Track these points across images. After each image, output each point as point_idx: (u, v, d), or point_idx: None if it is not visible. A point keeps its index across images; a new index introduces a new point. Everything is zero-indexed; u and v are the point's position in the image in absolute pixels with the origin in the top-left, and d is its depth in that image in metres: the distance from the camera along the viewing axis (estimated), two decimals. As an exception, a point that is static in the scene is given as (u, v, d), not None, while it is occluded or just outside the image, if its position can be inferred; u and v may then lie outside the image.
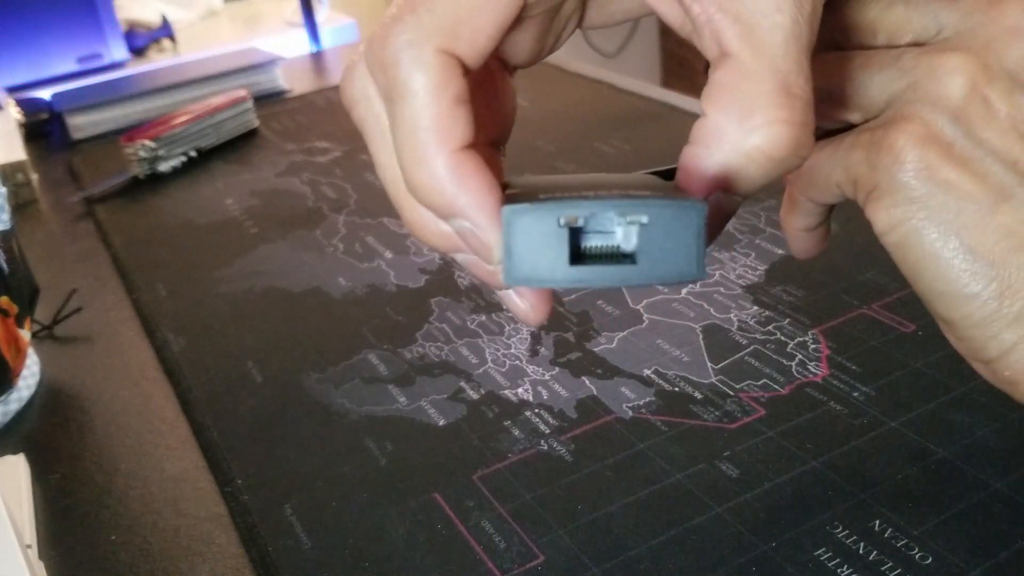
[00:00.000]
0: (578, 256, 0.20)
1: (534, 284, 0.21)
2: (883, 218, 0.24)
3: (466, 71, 0.22)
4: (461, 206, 0.21)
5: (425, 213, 0.23)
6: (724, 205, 0.23)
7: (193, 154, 0.73)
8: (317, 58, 1.06)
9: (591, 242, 0.20)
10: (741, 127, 0.21)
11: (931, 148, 0.24)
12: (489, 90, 0.26)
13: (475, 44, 0.22)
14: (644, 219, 0.20)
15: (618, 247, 0.20)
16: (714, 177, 0.22)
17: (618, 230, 0.20)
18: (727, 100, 0.21)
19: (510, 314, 0.46)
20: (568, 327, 0.44)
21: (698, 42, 0.23)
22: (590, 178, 0.23)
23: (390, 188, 0.24)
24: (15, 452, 0.40)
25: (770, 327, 0.42)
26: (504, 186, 0.22)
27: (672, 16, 0.24)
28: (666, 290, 0.46)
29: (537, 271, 0.20)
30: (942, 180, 0.23)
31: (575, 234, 0.20)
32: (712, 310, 0.44)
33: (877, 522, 0.31)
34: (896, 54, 0.25)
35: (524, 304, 0.24)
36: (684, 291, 0.46)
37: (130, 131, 0.73)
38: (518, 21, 0.23)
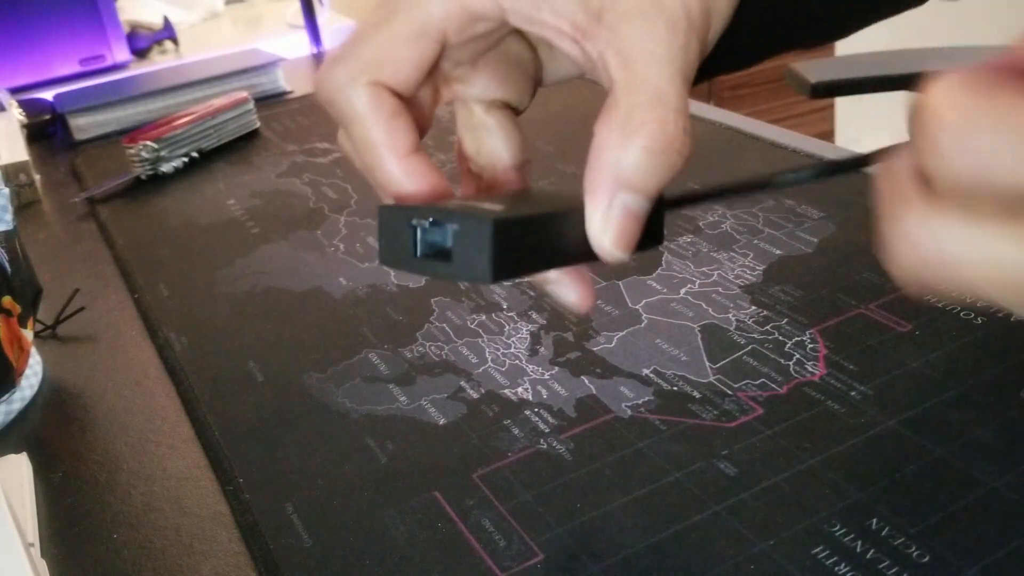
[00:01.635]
0: (426, 250, 0.25)
1: (395, 268, 0.26)
2: None
3: (399, 96, 0.28)
4: (414, 200, 0.28)
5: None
6: (632, 206, 0.26)
7: (195, 155, 0.73)
8: (318, 59, 1.06)
9: (432, 238, 0.25)
10: (623, 131, 0.25)
11: None
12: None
13: (399, 76, 0.28)
14: (456, 228, 0.24)
15: (447, 248, 0.25)
16: (609, 181, 0.26)
17: (448, 235, 0.25)
18: (611, 115, 0.26)
19: (511, 315, 0.46)
20: (567, 327, 0.44)
21: (597, 77, 0.27)
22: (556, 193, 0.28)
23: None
24: (18, 451, 0.40)
25: (768, 327, 0.43)
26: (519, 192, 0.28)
27: (581, 59, 0.28)
28: (665, 290, 0.47)
29: (396, 258, 0.26)
30: None
31: (424, 232, 0.25)
32: (710, 310, 0.45)
33: (874, 520, 0.31)
34: None
35: (572, 296, 0.29)
36: (683, 291, 0.46)
37: (132, 132, 0.73)
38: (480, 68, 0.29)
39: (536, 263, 0.27)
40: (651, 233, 0.28)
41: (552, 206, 0.27)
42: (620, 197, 0.26)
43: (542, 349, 0.43)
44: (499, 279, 0.25)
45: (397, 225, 0.25)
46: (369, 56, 0.28)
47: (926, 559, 0.30)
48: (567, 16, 0.27)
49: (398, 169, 0.28)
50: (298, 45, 1.17)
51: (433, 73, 0.29)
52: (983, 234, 0.17)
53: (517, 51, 0.30)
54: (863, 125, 1.94)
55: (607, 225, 0.26)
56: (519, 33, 0.30)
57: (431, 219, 0.25)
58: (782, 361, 0.40)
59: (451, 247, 0.24)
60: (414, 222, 0.25)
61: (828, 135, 1.90)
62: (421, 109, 0.30)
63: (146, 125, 0.74)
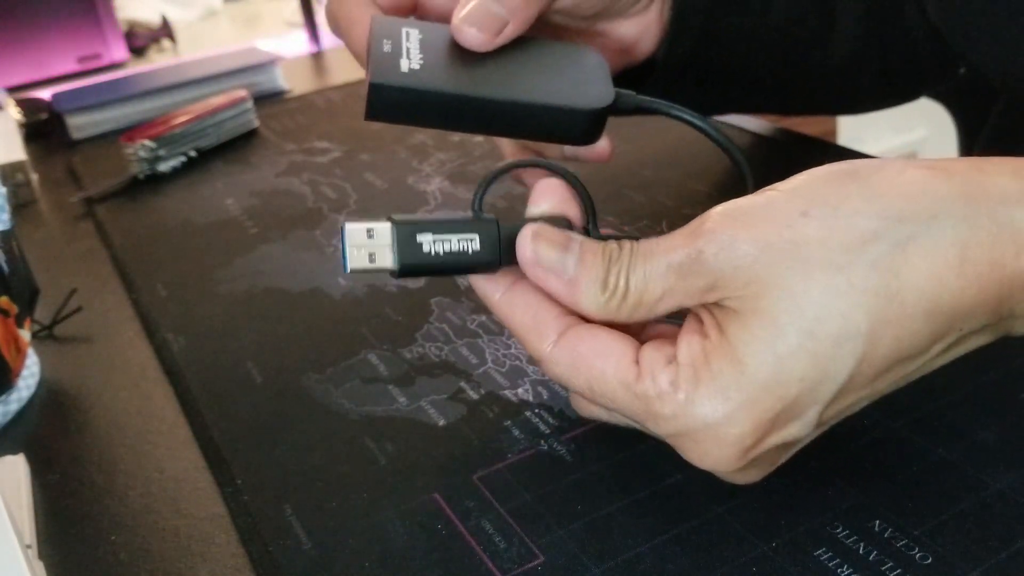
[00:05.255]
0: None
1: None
2: None
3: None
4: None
5: None
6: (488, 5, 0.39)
7: (193, 154, 0.73)
8: (317, 58, 1.06)
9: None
10: None
11: None
12: None
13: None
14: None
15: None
16: None
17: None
18: None
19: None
20: (568, 327, 0.44)
21: None
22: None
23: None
24: (15, 452, 0.40)
25: (770, 327, 0.42)
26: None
27: None
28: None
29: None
30: None
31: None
32: (712, 310, 0.44)
33: (877, 522, 0.31)
34: None
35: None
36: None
37: (130, 131, 0.73)
38: None
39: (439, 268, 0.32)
40: (589, 131, 0.38)
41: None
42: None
43: (542, 349, 0.43)
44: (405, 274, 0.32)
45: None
46: None
47: (929, 561, 0.29)
48: None
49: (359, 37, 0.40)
50: (297, 43, 1.17)
51: None
52: (608, 415, 0.33)
53: None
54: (863, 124, 1.94)
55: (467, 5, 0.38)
56: None
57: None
58: (783, 361, 0.40)
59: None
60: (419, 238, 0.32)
61: (831, 134, 1.90)
62: None
63: (144, 124, 0.74)
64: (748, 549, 0.31)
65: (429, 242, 0.31)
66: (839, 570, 0.30)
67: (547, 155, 0.46)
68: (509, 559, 0.32)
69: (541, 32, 0.42)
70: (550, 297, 0.32)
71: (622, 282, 0.30)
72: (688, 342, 0.29)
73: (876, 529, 0.31)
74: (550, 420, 0.38)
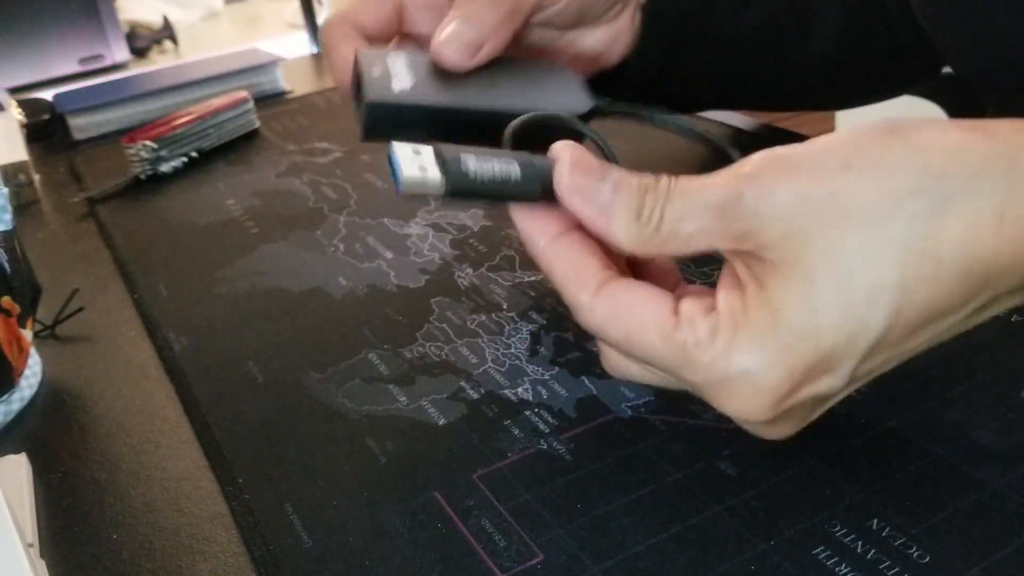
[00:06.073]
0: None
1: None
2: None
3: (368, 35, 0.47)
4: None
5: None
6: (466, 30, 0.43)
7: (194, 155, 0.73)
8: (318, 59, 1.06)
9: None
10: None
11: None
12: None
13: (366, 25, 0.47)
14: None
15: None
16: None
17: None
18: None
19: (511, 315, 0.46)
20: (568, 327, 0.44)
21: None
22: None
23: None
24: (17, 451, 0.40)
25: (769, 327, 0.43)
26: None
27: None
28: (666, 290, 0.47)
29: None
30: None
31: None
32: (711, 310, 0.44)
33: (875, 521, 0.31)
34: None
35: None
36: (684, 291, 0.46)
37: (131, 132, 0.73)
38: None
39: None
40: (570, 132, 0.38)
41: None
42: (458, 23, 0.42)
43: (542, 349, 0.43)
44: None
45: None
46: (347, 9, 0.47)
47: (927, 559, 0.30)
48: None
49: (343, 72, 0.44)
50: (298, 44, 1.17)
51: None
52: (639, 370, 0.33)
53: None
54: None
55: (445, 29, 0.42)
56: None
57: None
58: (782, 361, 0.40)
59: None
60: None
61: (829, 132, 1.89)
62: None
63: (145, 125, 0.74)
64: (746, 548, 0.31)
65: (473, 163, 0.31)
66: (837, 568, 0.30)
67: None
68: (509, 557, 0.32)
69: (517, 50, 0.47)
70: (593, 251, 0.31)
71: (656, 213, 0.29)
72: (726, 294, 0.29)
73: (874, 528, 0.31)
74: (550, 419, 0.38)
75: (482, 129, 0.39)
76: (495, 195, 0.32)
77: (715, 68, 0.54)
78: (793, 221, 0.27)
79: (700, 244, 0.29)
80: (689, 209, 0.29)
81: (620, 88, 0.52)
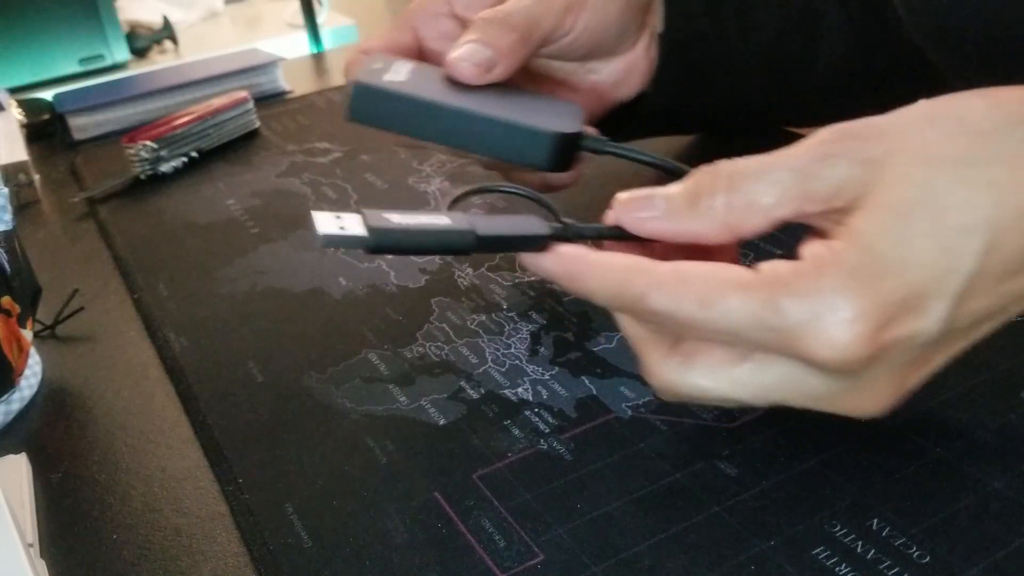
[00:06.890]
0: None
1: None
2: None
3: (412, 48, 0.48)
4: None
5: None
6: (480, 51, 0.43)
7: (194, 155, 0.73)
8: (318, 59, 1.06)
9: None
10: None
11: None
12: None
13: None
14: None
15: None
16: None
17: None
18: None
19: (511, 315, 0.46)
20: (568, 327, 0.44)
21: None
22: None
23: None
24: (17, 451, 0.40)
25: (769, 327, 0.43)
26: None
27: None
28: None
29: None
30: None
31: None
32: (711, 310, 0.44)
33: (875, 520, 0.31)
34: None
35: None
36: (684, 291, 0.46)
37: (132, 132, 0.73)
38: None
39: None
40: (553, 157, 0.41)
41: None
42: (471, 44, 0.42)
43: (542, 349, 0.43)
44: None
45: None
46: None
47: (927, 559, 0.30)
48: None
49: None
50: (298, 45, 1.17)
51: None
52: (711, 378, 0.30)
53: None
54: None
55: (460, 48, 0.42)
56: None
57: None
58: (782, 361, 0.40)
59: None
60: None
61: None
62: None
63: (145, 125, 0.74)
64: (746, 547, 0.31)
65: (396, 217, 0.31)
66: (837, 568, 0.30)
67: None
68: (509, 557, 0.32)
69: (531, 84, 0.48)
70: (634, 250, 0.31)
71: (720, 197, 0.29)
72: (810, 247, 0.28)
73: (874, 528, 0.31)
74: (550, 419, 0.38)
75: (461, 133, 0.41)
76: (421, 245, 0.32)
77: (725, 92, 0.54)
78: (882, 171, 0.28)
79: (785, 212, 0.29)
80: (771, 179, 0.29)
81: (638, 119, 0.52)
